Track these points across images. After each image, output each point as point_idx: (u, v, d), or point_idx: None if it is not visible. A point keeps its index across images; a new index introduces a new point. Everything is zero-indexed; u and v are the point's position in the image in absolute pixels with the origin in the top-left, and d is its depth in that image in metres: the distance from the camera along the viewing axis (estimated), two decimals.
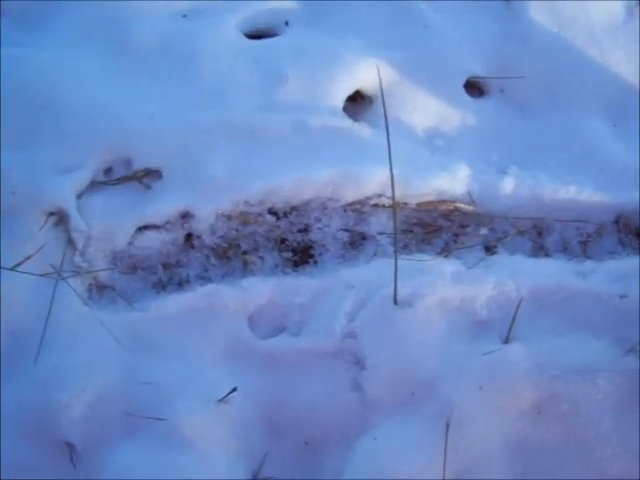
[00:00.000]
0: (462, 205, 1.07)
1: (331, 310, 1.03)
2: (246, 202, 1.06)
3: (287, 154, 1.07)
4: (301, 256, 1.10)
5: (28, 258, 1.03)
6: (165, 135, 1.07)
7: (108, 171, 1.10)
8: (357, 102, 1.16)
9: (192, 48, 1.15)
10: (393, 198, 0.95)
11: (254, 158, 1.06)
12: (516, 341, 1.00)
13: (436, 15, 1.24)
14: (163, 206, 1.06)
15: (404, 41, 1.22)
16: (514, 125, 1.18)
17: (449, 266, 1.04)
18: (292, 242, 1.09)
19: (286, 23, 1.20)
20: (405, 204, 1.06)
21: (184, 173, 1.06)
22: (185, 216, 1.08)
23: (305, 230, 1.09)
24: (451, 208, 1.08)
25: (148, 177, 1.07)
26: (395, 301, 1.00)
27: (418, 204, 1.07)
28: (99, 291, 1.08)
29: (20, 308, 1.05)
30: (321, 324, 1.02)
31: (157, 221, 1.06)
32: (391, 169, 0.96)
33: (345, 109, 1.16)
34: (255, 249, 1.10)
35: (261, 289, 1.04)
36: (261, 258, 1.10)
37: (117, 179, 1.07)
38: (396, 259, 0.98)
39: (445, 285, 1.02)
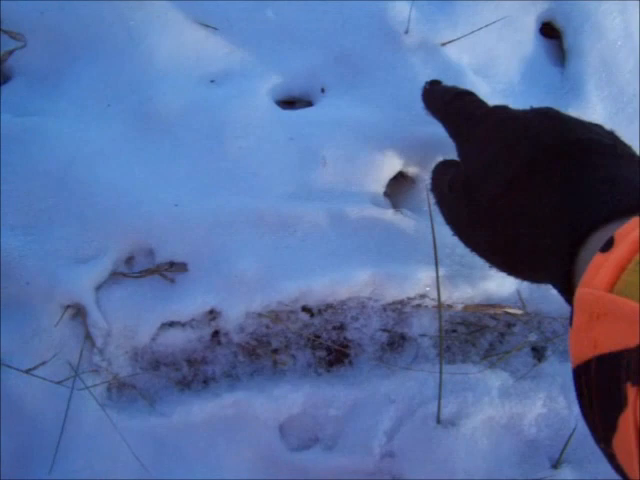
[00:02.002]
0: (512, 310, 0.98)
1: (369, 426, 0.96)
2: (279, 302, 0.96)
3: (323, 249, 0.98)
4: (336, 355, 1.02)
5: (43, 364, 0.94)
6: (191, 224, 0.97)
7: (129, 261, 1.00)
8: (398, 181, 1.04)
9: (220, 119, 1.04)
10: (439, 306, 0.95)
11: (287, 252, 0.97)
12: (567, 464, 0.93)
13: (483, 80, 1.10)
14: (189, 303, 0.97)
15: None
16: None
17: (495, 379, 0.97)
18: (326, 340, 1.01)
19: (322, 90, 1.08)
20: (450, 306, 0.97)
21: (212, 267, 0.97)
22: (212, 314, 0.97)
23: (341, 328, 1.01)
24: (499, 312, 0.98)
25: (173, 270, 0.97)
26: (438, 420, 0.92)
27: (465, 307, 0.97)
28: (119, 390, 1.00)
29: (34, 411, 0.97)
30: (357, 440, 0.96)
31: (182, 318, 0.98)
32: (437, 273, 0.94)
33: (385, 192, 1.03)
34: (286, 347, 1.02)
35: (294, 399, 0.97)
36: (293, 357, 1.02)
37: (139, 272, 0.98)
38: (441, 378, 0.90)
39: (492, 402, 0.96)
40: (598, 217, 0.62)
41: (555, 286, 0.69)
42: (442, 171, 0.89)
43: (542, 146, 0.70)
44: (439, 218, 0.92)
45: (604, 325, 0.50)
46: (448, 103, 0.94)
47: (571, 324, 0.55)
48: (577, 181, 0.66)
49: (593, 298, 0.51)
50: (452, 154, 0.91)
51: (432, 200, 0.92)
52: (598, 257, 0.53)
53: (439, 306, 0.92)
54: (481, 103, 0.89)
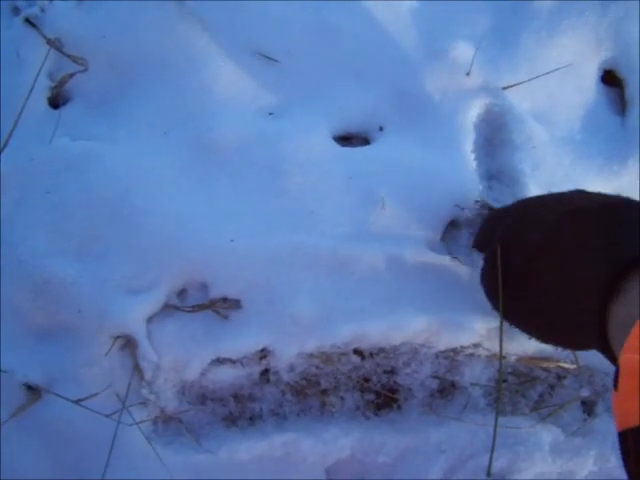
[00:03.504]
0: (565, 364, 0.97)
1: (418, 474, 0.96)
2: (332, 345, 0.95)
3: (380, 292, 0.97)
4: (384, 400, 1.00)
5: (94, 395, 0.93)
6: (247, 261, 0.96)
7: (182, 294, 0.99)
8: (451, 228, 1.03)
9: (279, 154, 1.03)
10: (500, 358, 0.95)
11: (343, 295, 0.96)
12: None
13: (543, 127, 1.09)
14: (241, 341, 0.96)
15: None
16: None
17: (547, 434, 0.96)
18: (376, 384, 1.01)
19: (380, 128, 1.07)
20: (504, 358, 0.96)
21: (266, 306, 0.96)
22: (263, 352, 0.96)
23: (391, 372, 1.00)
24: (552, 366, 0.97)
25: (226, 307, 0.96)
26: (489, 473, 0.91)
27: (519, 359, 0.96)
28: (165, 424, 0.99)
29: (80, 442, 0.96)
30: None
31: (234, 356, 0.98)
32: (501, 324, 0.94)
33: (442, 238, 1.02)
34: (335, 388, 1.01)
35: (342, 443, 0.96)
36: (341, 398, 1.01)
37: (192, 306, 0.97)
38: (495, 432, 0.89)
39: (543, 459, 0.95)
40: (627, 261, 0.64)
41: (593, 347, 0.73)
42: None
43: (570, 208, 0.73)
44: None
45: None
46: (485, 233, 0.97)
47: (615, 387, 0.55)
48: (607, 233, 0.69)
49: None
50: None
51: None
52: None
53: (500, 358, 0.92)
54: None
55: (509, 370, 1.01)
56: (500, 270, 0.78)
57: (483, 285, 0.85)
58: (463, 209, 1.03)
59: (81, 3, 1.10)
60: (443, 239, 1.04)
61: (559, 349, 0.98)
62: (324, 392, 1.01)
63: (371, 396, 1.01)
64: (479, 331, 0.97)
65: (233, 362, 0.99)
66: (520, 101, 1.10)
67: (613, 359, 0.67)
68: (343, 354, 0.99)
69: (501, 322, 0.92)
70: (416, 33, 1.10)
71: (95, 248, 1.00)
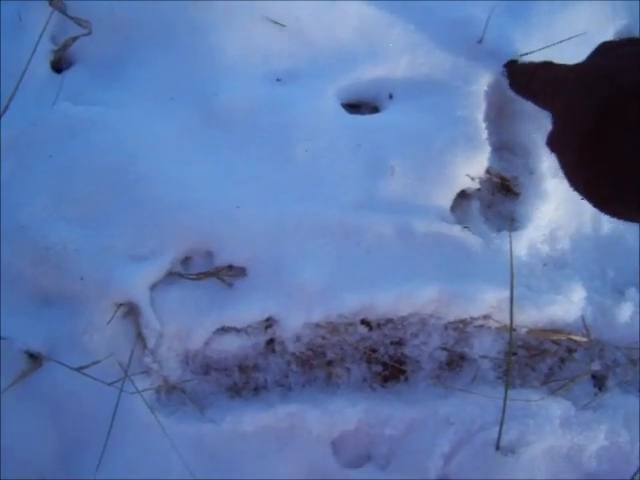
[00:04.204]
0: (576, 337, 0.95)
1: (425, 447, 0.94)
2: (339, 314, 0.93)
3: (388, 263, 0.94)
4: (391, 371, 0.98)
5: (95, 363, 0.91)
6: (253, 229, 0.94)
7: (186, 261, 0.97)
8: (460, 198, 1.00)
9: (286, 120, 1.00)
10: (510, 329, 0.94)
11: (351, 264, 0.94)
12: None
13: None
14: (246, 310, 0.94)
15: None
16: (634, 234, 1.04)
17: (557, 408, 0.95)
18: (383, 355, 0.99)
19: (390, 96, 1.04)
20: (514, 330, 0.93)
21: (272, 274, 0.94)
22: (269, 321, 0.94)
23: (399, 343, 0.98)
24: (564, 339, 0.95)
25: (231, 275, 0.94)
26: (498, 446, 0.89)
27: (529, 331, 0.94)
28: (168, 393, 0.97)
29: (82, 409, 0.94)
30: (413, 461, 0.94)
31: (238, 324, 0.95)
32: (512, 294, 0.93)
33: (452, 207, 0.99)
34: (342, 359, 0.99)
35: (348, 415, 0.94)
36: (347, 370, 0.99)
37: (197, 274, 0.95)
38: (505, 404, 0.87)
39: (553, 432, 0.93)
40: None
41: None
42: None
43: (617, 86, 0.70)
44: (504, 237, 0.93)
45: None
46: (531, 76, 0.96)
47: None
48: None
49: None
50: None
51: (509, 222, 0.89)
52: None
53: (510, 329, 0.89)
54: (560, 65, 0.91)
55: (519, 343, 0.99)
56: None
57: (557, 149, 0.82)
58: (474, 179, 1.00)
59: None
60: (453, 209, 1.01)
61: (570, 317, 0.95)
62: (330, 363, 0.99)
63: (378, 367, 1.00)
64: (489, 302, 0.95)
65: (238, 331, 0.97)
66: None
67: None
68: (350, 324, 0.97)
69: (511, 292, 0.89)
70: None
71: (98, 214, 0.98)
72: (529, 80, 0.95)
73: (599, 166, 0.71)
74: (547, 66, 0.93)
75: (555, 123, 0.82)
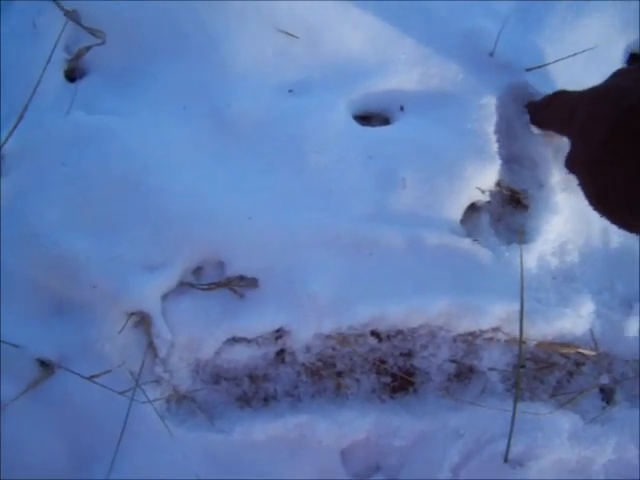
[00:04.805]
0: (584, 351, 0.95)
1: (434, 459, 0.95)
2: (350, 326, 0.94)
3: (399, 275, 0.95)
4: (400, 383, 0.99)
5: (107, 372, 0.91)
6: (264, 239, 0.95)
7: (198, 271, 0.98)
8: (469, 210, 1.01)
9: (298, 132, 1.01)
10: (520, 342, 0.94)
11: (361, 276, 0.95)
12: None
13: None
14: (258, 320, 0.95)
15: None
16: None
17: (566, 421, 0.95)
18: (392, 366, 1.00)
19: (401, 108, 1.05)
20: (524, 342, 0.94)
21: (283, 285, 0.94)
22: (279, 332, 0.95)
23: (408, 355, 0.99)
24: (572, 352, 0.95)
25: (243, 285, 0.95)
26: (506, 459, 0.90)
27: (538, 344, 0.95)
28: (178, 402, 0.97)
29: (92, 418, 0.94)
30: (422, 472, 0.95)
31: (250, 335, 0.96)
32: (522, 308, 0.93)
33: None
34: (351, 370, 1.00)
35: (358, 425, 0.95)
36: (357, 381, 1.00)
37: (208, 284, 0.95)
38: (514, 417, 0.88)
39: (562, 445, 0.93)
40: None
41: None
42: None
43: (625, 106, 0.73)
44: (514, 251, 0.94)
45: None
46: (547, 108, 1.00)
47: None
48: None
49: None
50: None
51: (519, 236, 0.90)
52: None
53: (520, 342, 0.90)
54: (572, 92, 0.94)
55: (528, 355, 1.00)
56: None
57: (574, 169, 0.87)
58: (484, 191, 1.01)
59: None
60: (463, 222, 1.02)
61: (579, 331, 0.96)
62: (340, 374, 1.00)
63: (387, 379, 1.00)
64: (499, 315, 0.96)
65: (248, 341, 0.98)
66: (544, 83, 1.06)
67: None
68: (360, 335, 0.98)
69: (522, 305, 0.90)
70: (442, 10, 1.07)
71: (110, 223, 0.98)
72: (546, 112, 0.99)
73: (614, 179, 0.73)
74: (560, 94, 0.96)
75: (572, 144, 0.85)
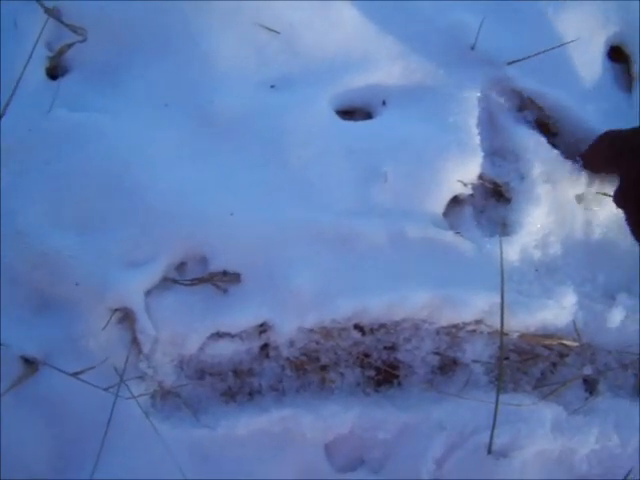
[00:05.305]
0: (567, 342, 0.96)
1: (418, 451, 0.95)
2: (333, 320, 0.94)
3: (381, 268, 0.96)
4: (384, 376, 0.99)
5: (91, 368, 0.91)
6: (247, 235, 0.95)
7: (181, 267, 0.98)
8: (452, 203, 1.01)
9: (280, 127, 1.01)
10: (501, 334, 0.95)
11: (344, 270, 0.95)
12: None
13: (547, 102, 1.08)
14: (241, 315, 0.95)
15: None
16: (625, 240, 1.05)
17: (549, 412, 0.95)
18: (376, 359, 1.00)
19: (383, 102, 1.05)
20: (506, 334, 0.95)
21: (266, 280, 0.95)
22: (263, 327, 0.95)
23: (392, 348, 0.99)
24: (555, 343, 0.96)
25: (226, 280, 0.95)
26: (489, 450, 0.90)
27: (521, 336, 0.95)
28: (163, 398, 0.98)
29: (77, 414, 0.95)
30: (406, 465, 0.95)
31: (233, 330, 0.96)
32: (502, 299, 0.95)
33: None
34: (336, 364, 1.01)
35: (342, 419, 0.96)
36: (341, 374, 1.01)
37: (191, 280, 0.96)
38: (497, 409, 0.89)
39: (545, 436, 0.94)
40: None
41: None
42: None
43: None
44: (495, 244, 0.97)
45: None
46: (595, 148, 1.05)
47: None
48: None
49: None
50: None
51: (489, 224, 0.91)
52: None
53: (501, 334, 0.90)
54: (621, 130, 0.99)
55: (511, 347, 1.00)
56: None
57: (622, 204, 0.94)
58: (466, 184, 1.01)
59: None
60: (446, 214, 1.02)
61: (562, 322, 0.97)
62: (324, 368, 1.00)
63: (371, 372, 1.01)
64: (481, 307, 0.96)
65: (232, 336, 0.98)
66: (525, 76, 1.07)
67: None
68: (343, 329, 0.98)
69: (502, 297, 0.90)
70: (423, 5, 1.07)
71: (94, 220, 0.99)
72: (596, 152, 1.04)
73: None
74: (608, 133, 1.01)
75: (621, 181, 0.92)
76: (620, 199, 0.94)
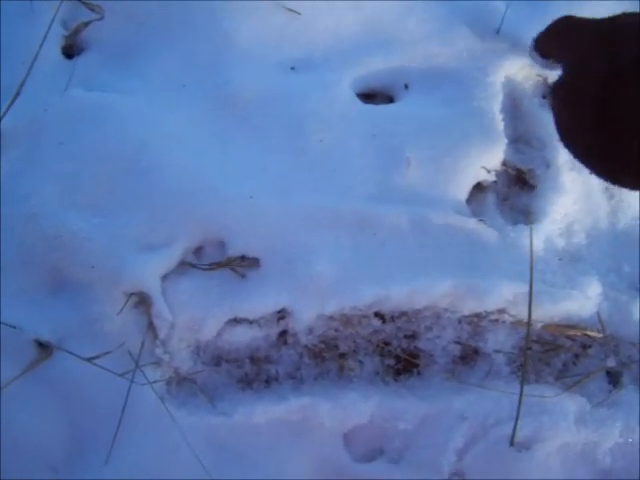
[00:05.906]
0: (591, 333, 0.94)
1: (439, 442, 0.93)
2: (353, 307, 0.92)
3: (403, 255, 0.93)
4: (404, 365, 0.97)
5: (107, 353, 0.89)
6: (266, 219, 0.93)
7: (199, 251, 0.96)
8: (475, 190, 0.99)
9: (300, 110, 0.99)
10: (529, 324, 0.93)
11: (365, 256, 0.93)
12: None
13: None
14: (259, 301, 0.93)
15: None
16: None
17: (572, 404, 0.93)
18: (396, 348, 0.98)
19: (406, 86, 1.03)
20: (530, 324, 0.92)
21: (286, 266, 0.93)
22: (282, 313, 0.93)
23: (413, 337, 0.97)
24: (579, 334, 0.94)
25: (244, 265, 0.93)
26: (512, 442, 0.88)
27: (544, 326, 0.93)
28: (179, 384, 0.96)
29: (91, 399, 0.93)
30: (426, 456, 0.93)
31: (251, 316, 0.94)
32: (531, 289, 0.92)
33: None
34: (355, 352, 0.98)
35: (362, 409, 0.93)
36: (360, 362, 0.98)
37: (209, 264, 0.93)
38: (520, 400, 0.87)
39: (568, 429, 0.92)
40: None
41: None
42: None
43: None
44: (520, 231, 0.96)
45: None
46: (551, 31, 0.95)
47: None
48: None
49: None
50: None
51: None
52: None
53: (529, 323, 0.88)
54: (579, 18, 0.90)
55: (534, 338, 0.98)
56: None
57: (556, 97, 0.83)
58: (490, 171, 0.99)
59: None
60: (468, 201, 1.00)
61: (586, 313, 0.94)
62: (343, 356, 0.98)
63: (391, 361, 0.98)
64: (505, 296, 0.94)
65: (250, 322, 0.96)
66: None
67: None
68: (364, 317, 0.96)
69: (531, 286, 0.88)
70: None
71: (109, 202, 0.96)
72: (552, 37, 0.95)
73: (610, 120, 0.71)
74: (570, 18, 0.92)
75: (567, 70, 0.83)
76: (560, 89, 0.83)
